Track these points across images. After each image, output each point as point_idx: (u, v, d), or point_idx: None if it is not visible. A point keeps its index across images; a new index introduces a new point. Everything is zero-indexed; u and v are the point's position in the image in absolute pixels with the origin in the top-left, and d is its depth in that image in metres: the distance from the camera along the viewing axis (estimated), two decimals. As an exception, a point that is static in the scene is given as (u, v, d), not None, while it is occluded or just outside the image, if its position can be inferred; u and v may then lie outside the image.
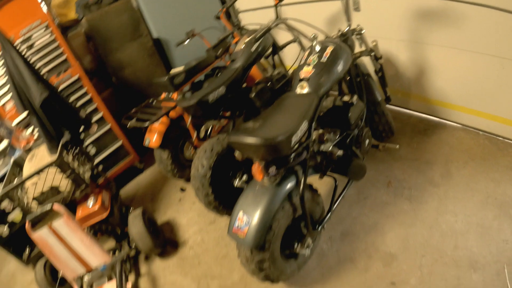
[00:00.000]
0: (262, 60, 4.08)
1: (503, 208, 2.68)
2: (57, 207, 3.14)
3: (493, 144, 3.18)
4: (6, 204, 4.31)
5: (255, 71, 4.01)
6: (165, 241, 3.77)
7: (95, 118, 4.34)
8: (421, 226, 2.77)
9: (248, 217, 2.28)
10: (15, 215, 4.41)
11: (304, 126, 2.22)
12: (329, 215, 2.77)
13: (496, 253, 2.43)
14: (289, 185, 2.36)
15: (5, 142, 4.68)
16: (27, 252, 4.78)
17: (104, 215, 3.47)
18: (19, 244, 4.80)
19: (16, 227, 4.53)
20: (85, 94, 4.25)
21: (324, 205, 2.82)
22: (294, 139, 2.15)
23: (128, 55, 4.83)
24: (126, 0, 4.77)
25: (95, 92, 4.35)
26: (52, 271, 3.83)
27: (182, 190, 4.28)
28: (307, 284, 2.78)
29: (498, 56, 2.86)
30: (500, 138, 3.24)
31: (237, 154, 2.56)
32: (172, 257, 3.62)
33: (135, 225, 3.41)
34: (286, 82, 3.21)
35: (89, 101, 4.31)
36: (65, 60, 4.13)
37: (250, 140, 2.11)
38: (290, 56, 3.90)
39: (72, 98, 4.13)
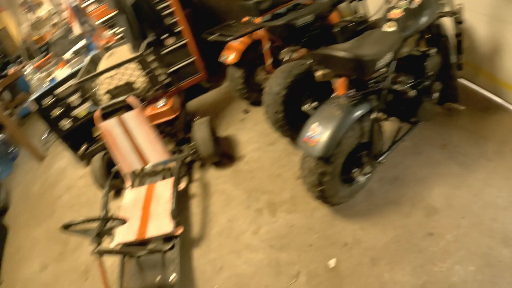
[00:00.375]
0: (344, 6, 4.13)
1: (547, 198, 2.71)
2: (132, 99, 3.33)
3: (551, 139, 3.18)
4: (73, 99, 4.57)
5: (334, 15, 4.07)
6: (223, 153, 3.97)
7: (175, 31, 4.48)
8: (467, 191, 2.82)
9: (322, 128, 2.42)
10: (80, 110, 4.66)
11: (388, 57, 2.36)
12: (389, 150, 2.90)
13: (529, 237, 2.48)
14: (363, 109, 2.49)
15: (83, 41, 4.92)
16: (82, 149, 5.05)
17: (173, 116, 3.68)
18: (78, 140, 5.07)
19: (78, 122, 4.80)
20: (168, 6, 4.38)
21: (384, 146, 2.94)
22: (378, 64, 2.30)
23: (211, -22, 4.93)
24: None
25: (179, 7, 4.48)
26: (108, 165, 4.09)
27: (246, 111, 4.43)
28: (352, 215, 2.93)
29: None
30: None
31: (318, 74, 2.67)
32: (227, 168, 3.84)
33: (201, 130, 3.60)
34: (366, 28, 3.29)
35: (171, 14, 4.44)
36: (151, -26, 4.27)
37: (341, 54, 2.27)
38: (371, 6, 3.92)
39: (157, 7, 4.25)
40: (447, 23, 3.20)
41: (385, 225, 2.76)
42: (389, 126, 3.28)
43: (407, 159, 3.13)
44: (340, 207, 3.00)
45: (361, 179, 2.77)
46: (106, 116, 3.66)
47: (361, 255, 2.67)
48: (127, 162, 3.72)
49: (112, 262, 3.39)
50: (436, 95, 3.04)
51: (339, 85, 2.45)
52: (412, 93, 2.70)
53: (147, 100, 3.80)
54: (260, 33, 3.76)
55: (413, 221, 2.71)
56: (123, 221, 2.65)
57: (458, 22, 3.04)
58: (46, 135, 7.03)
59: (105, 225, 2.67)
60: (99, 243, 2.62)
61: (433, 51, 2.81)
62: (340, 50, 2.31)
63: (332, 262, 2.73)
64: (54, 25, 7.31)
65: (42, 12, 7.95)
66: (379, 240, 2.69)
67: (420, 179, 2.96)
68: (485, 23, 3.44)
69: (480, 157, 3.06)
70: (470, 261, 2.39)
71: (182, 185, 3.48)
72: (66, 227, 2.57)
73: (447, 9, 3.04)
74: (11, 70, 8.46)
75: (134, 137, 3.55)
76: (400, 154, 3.17)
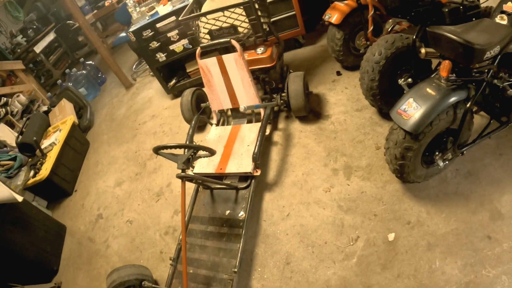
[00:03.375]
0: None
1: None
2: (234, 42, 3.47)
3: None
4: (173, 34, 4.79)
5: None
6: (311, 109, 4.09)
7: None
8: None
9: (417, 105, 2.46)
10: (177, 46, 4.89)
11: (496, 49, 2.33)
12: (473, 143, 2.87)
13: None
14: (461, 95, 2.47)
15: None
16: (172, 82, 5.33)
17: (270, 64, 3.80)
18: (169, 74, 5.35)
19: (173, 57, 5.05)
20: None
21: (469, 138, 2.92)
22: (487, 54, 2.29)
23: None
24: None
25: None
26: (197, 100, 4.33)
27: (339, 73, 4.48)
28: (422, 196, 2.98)
29: None
30: None
31: (423, 51, 2.71)
32: (312, 124, 3.96)
33: (295, 83, 3.72)
34: (476, 14, 3.24)
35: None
36: None
37: (454, 37, 2.29)
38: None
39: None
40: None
41: (449, 216, 2.80)
42: (478, 120, 3.25)
43: (487, 158, 3.08)
44: (411, 187, 3.07)
45: (440, 164, 2.78)
46: (202, 54, 3.83)
47: (420, 237, 2.74)
48: (218, 101, 3.91)
49: (186, 189, 3.61)
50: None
51: (444, 67, 2.45)
52: (510, 92, 2.66)
53: (246, 45, 3.93)
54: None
55: (476, 220, 2.72)
56: (212, 153, 2.83)
57: None
58: (136, 65, 7.42)
59: (195, 153, 2.84)
60: (185, 169, 2.79)
61: (542, 54, 2.74)
62: (452, 33, 2.33)
63: (391, 236, 2.82)
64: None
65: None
66: (440, 228, 2.75)
67: (494, 180, 2.92)
68: None
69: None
70: (518, 276, 2.40)
71: (267, 132, 3.64)
72: (157, 149, 2.75)
73: None
74: (107, 2, 8.87)
75: (230, 78, 3.71)
76: (481, 151, 3.13)
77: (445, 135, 2.76)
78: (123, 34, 7.27)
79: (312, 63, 4.92)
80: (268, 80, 4.03)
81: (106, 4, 8.88)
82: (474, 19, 3.08)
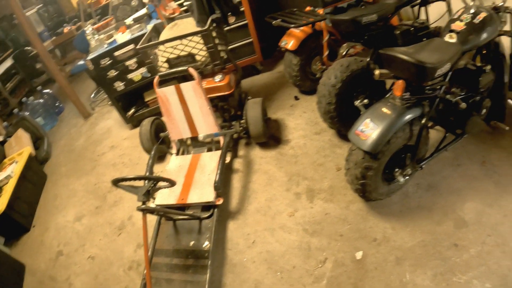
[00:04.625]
0: (405, 9, 4.19)
1: None
2: (192, 70, 3.48)
3: None
4: (131, 63, 4.75)
5: (395, 18, 4.13)
6: (271, 135, 4.12)
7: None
8: (498, 210, 2.84)
9: (374, 125, 2.53)
10: (135, 75, 4.85)
11: (446, 67, 2.45)
12: (431, 157, 2.98)
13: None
14: (415, 113, 2.58)
15: (144, 9, 5.10)
16: (131, 112, 5.26)
17: (228, 92, 3.83)
18: (128, 103, 5.28)
19: (132, 86, 5.01)
20: (235, -14, 4.49)
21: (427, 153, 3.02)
22: (438, 72, 2.42)
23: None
24: None
25: (244, -13, 4.59)
26: (156, 130, 4.28)
27: (296, 98, 4.56)
28: (385, 213, 3.04)
29: None
30: None
31: (377, 73, 2.79)
32: (272, 150, 3.99)
33: (254, 110, 3.74)
34: (426, 34, 3.36)
35: (238, -6, 4.54)
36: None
37: (406, 57, 2.41)
38: (432, 14, 3.93)
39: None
40: (505, 42, 3.23)
41: (415, 229, 2.86)
42: (434, 134, 3.35)
43: (446, 169, 3.19)
44: (374, 204, 3.12)
45: (401, 179, 2.87)
46: (161, 83, 3.81)
47: (387, 252, 2.77)
48: (177, 130, 3.88)
49: (148, 222, 3.55)
50: (484, 110, 3.09)
51: (397, 86, 2.54)
52: (463, 105, 2.77)
53: (204, 73, 3.93)
54: (321, 24, 3.88)
55: (441, 230, 2.79)
56: (172, 183, 2.79)
57: (517, 43, 3.08)
58: (95, 94, 7.31)
59: (155, 185, 2.80)
60: (145, 201, 2.74)
61: (488, 67, 2.86)
62: (404, 54, 2.43)
63: (359, 255, 2.84)
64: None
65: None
66: (407, 242, 2.79)
67: (455, 190, 3.02)
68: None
69: (517, 181, 3.09)
70: (488, 279, 2.44)
71: (227, 159, 3.64)
72: (116, 181, 2.69)
73: (507, 28, 3.08)
74: (66, 29, 8.76)
75: (188, 107, 3.70)
76: (440, 163, 3.25)
77: (403, 151, 2.84)
78: (82, 62, 7.11)
79: (270, 89, 5.01)
80: (226, 108, 4.06)
81: (65, 31, 8.79)
82: (425, 39, 3.21)
